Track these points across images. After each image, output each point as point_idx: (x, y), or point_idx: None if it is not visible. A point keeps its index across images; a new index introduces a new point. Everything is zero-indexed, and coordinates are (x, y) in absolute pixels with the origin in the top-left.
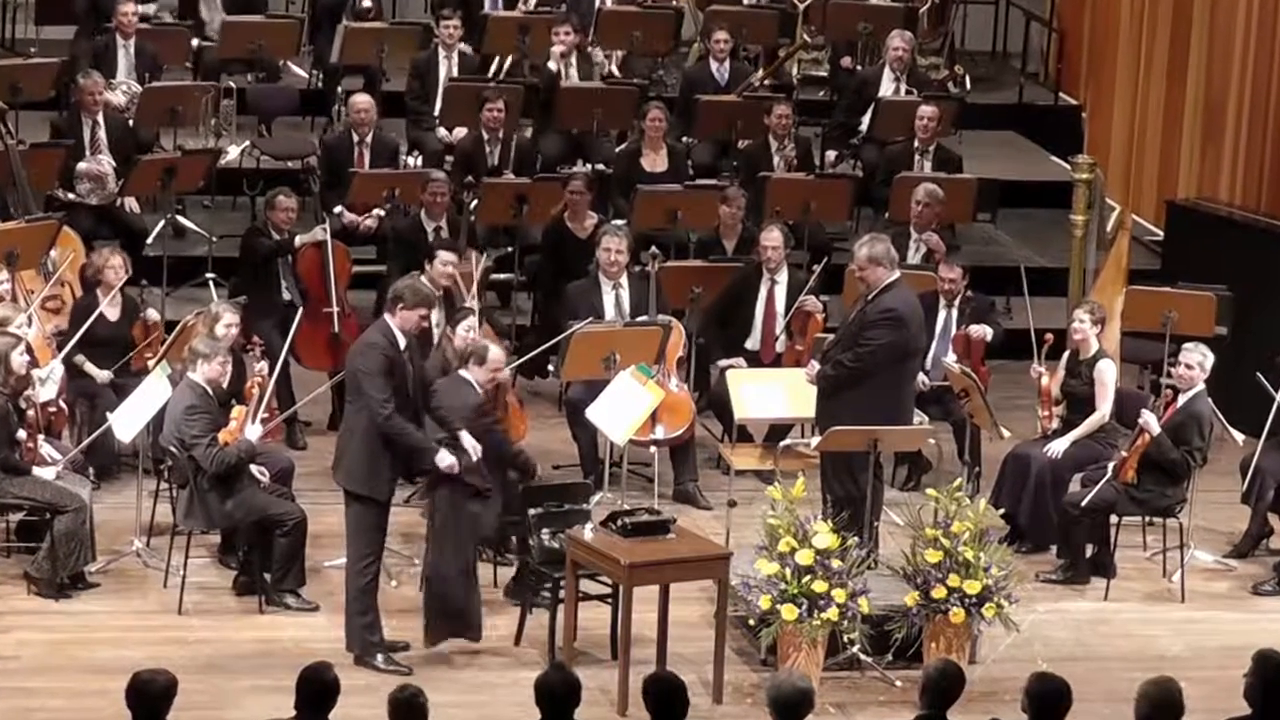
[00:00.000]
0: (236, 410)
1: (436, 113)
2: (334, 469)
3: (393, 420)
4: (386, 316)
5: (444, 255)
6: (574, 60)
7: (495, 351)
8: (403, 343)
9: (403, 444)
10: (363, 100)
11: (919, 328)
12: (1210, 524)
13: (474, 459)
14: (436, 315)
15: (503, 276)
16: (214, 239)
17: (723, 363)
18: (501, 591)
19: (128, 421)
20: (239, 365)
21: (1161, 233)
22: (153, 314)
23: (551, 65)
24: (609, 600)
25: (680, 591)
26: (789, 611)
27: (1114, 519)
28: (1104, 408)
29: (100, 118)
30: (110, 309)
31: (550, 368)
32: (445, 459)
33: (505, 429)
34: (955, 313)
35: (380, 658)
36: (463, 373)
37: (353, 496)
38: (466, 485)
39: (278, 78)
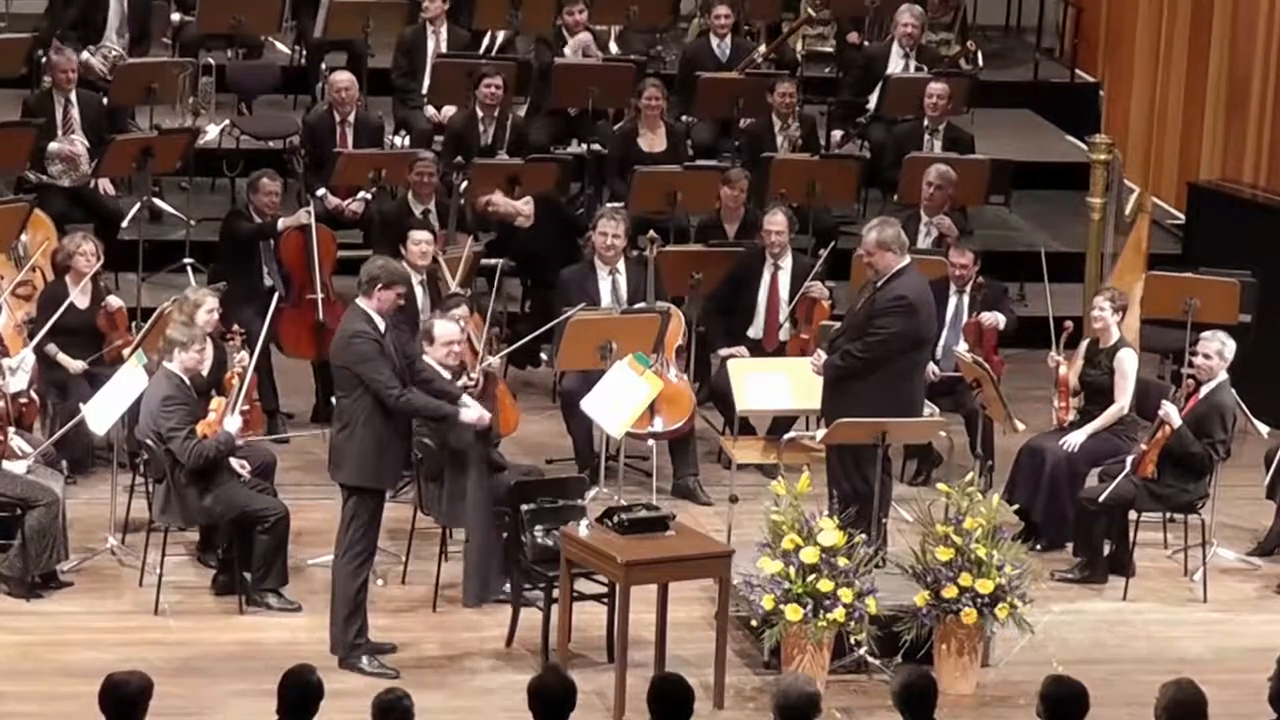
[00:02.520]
0: (215, 401)
1: (424, 91)
2: (335, 468)
3: (404, 398)
4: (361, 300)
5: (416, 235)
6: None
7: (442, 326)
8: (382, 326)
9: (423, 415)
10: (343, 78)
11: (930, 315)
12: (1233, 520)
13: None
14: (422, 300)
15: (493, 261)
16: (192, 222)
17: (724, 352)
18: None
19: (102, 413)
20: (218, 354)
21: (1182, 216)
22: (114, 300)
23: (569, 51)
24: (605, 600)
25: (680, 591)
26: (793, 612)
27: (1133, 515)
28: (1123, 399)
29: (73, 96)
30: (80, 297)
31: (543, 356)
32: (470, 413)
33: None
34: (967, 300)
35: (366, 660)
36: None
37: (353, 489)
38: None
39: (259, 54)
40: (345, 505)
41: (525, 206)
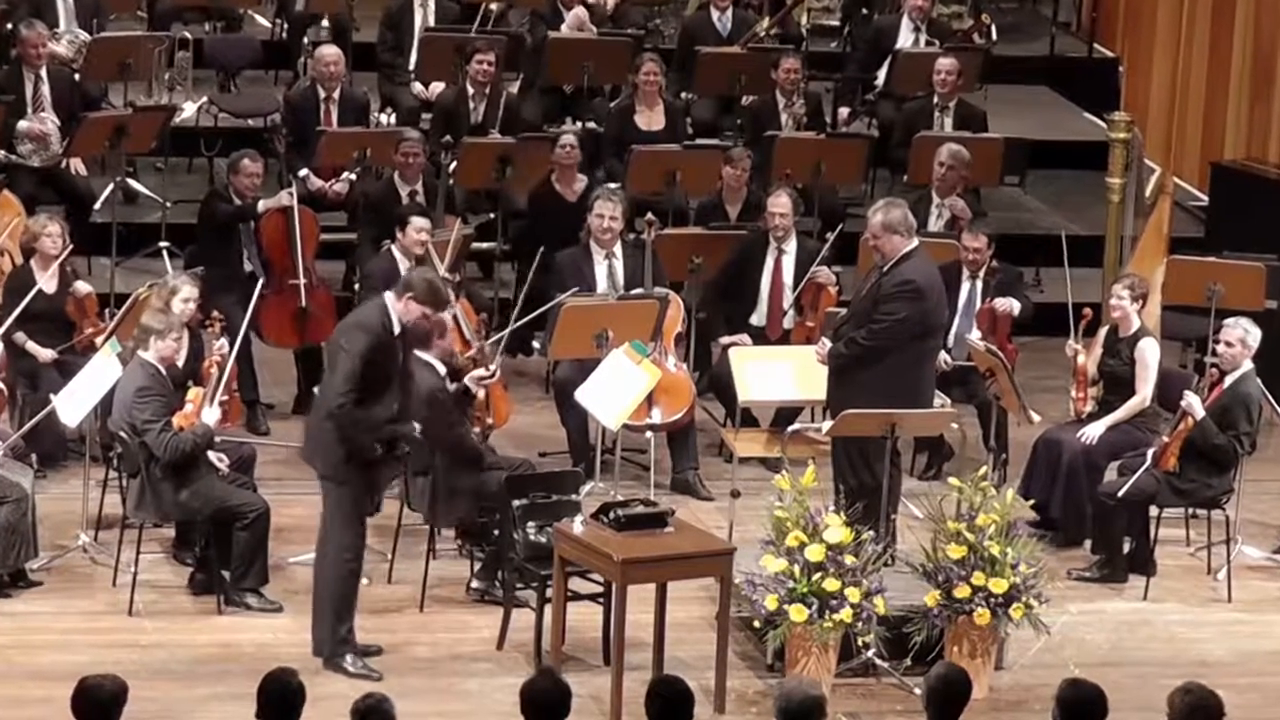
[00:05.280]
0: (193, 392)
1: (411, 66)
2: (305, 450)
3: (344, 412)
4: (390, 297)
5: (418, 221)
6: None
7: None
8: (397, 328)
9: (348, 437)
10: (329, 52)
11: (939, 301)
12: (1259, 516)
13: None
14: None
15: (484, 245)
16: (168, 204)
17: (725, 340)
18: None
19: (73, 404)
20: (195, 343)
21: (1206, 197)
22: (82, 286)
23: (565, 27)
24: (601, 600)
25: (679, 590)
26: (798, 612)
27: (1154, 511)
28: (1145, 390)
29: (44, 72)
30: (48, 282)
31: (536, 345)
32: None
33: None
34: (980, 285)
35: (350, 659)
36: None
37: (330, 481)
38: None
39: (238, 28)
40: (326, 496)
41: (578, 184)
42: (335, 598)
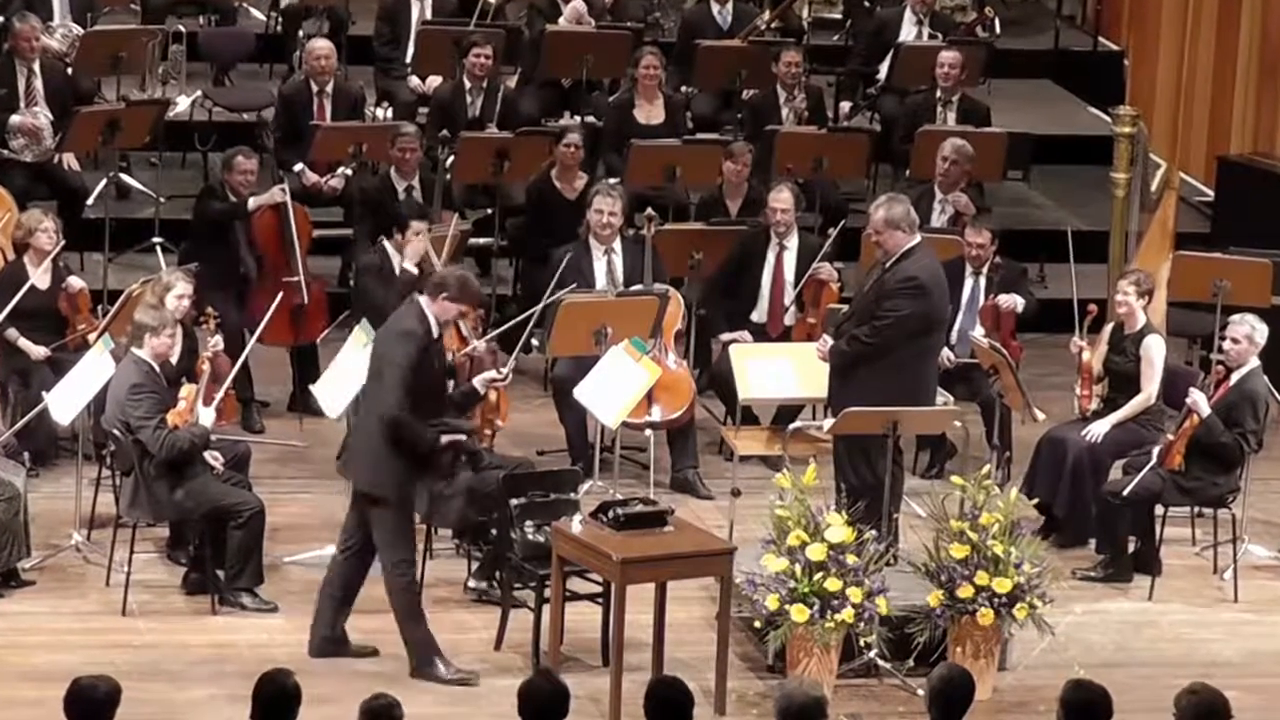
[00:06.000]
0: (186, 389)
1: (408, 60)
2: (347, 465)
3: (401, 421)
4: (425, 300)
5: (418, 225)
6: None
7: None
8: (436, 331)
9: (408, 446)
10: (322, 46)
11: (942, 298)
12: (1266, 515)
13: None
14: None
15: (482, 241)
16: (162, 200)
17: (726, 337)
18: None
19: (66, 402)
20: (188, 341)
21: (1212, 192)
22: (75, 282)
23: (564, 19)
24: (599, 600)
25: (679, 590)
26: (799, 612)
27: (1159, 510)
28: (1150, 388)
29: (37, 66)
30: (41, 278)
31: (534, 342)
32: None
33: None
34: (984, 281)
35: (441, 665)
36: None
37: (372, 499)
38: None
39: (233, 21)
40: (369, 512)
41: (579, 181)
42: (404, 612)
